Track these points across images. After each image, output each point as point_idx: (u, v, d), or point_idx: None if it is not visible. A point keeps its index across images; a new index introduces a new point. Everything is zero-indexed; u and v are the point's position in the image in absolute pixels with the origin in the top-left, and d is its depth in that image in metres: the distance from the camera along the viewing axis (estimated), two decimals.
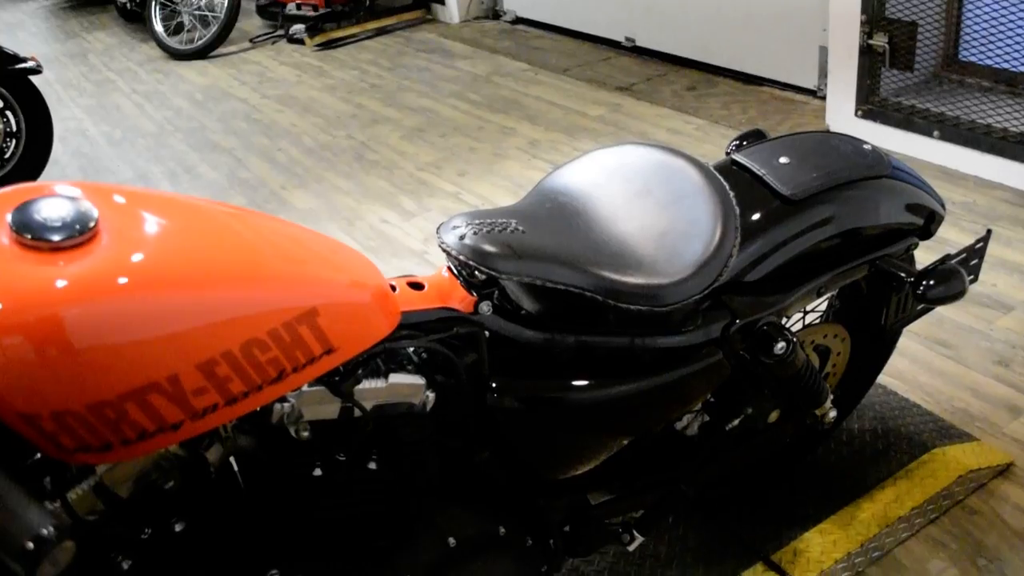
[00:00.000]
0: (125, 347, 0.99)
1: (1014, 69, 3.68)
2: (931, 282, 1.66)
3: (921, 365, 2.62)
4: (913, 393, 2.50)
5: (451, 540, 1.44)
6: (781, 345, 1.58)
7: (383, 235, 3.69)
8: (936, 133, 3.71)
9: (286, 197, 4.13)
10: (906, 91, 3.94)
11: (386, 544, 1.42)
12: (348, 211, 3.93)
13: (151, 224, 1.08)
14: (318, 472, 1.30)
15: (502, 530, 1.49)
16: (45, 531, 0.79)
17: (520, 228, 1.38)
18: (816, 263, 1.68)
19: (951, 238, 3.19)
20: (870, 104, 3.93)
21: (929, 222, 1.82)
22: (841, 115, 4.06)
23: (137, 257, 1.02)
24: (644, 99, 4.86)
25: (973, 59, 3.84)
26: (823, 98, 4.37)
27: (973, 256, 1.89)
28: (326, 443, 1.30)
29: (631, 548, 1.68)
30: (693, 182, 1.51)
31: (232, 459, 1.29)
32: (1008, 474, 2.22)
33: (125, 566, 1.19)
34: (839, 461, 2.22)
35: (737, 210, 1.49)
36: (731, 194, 1.50)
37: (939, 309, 2.79)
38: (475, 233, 1.34)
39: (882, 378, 2.50)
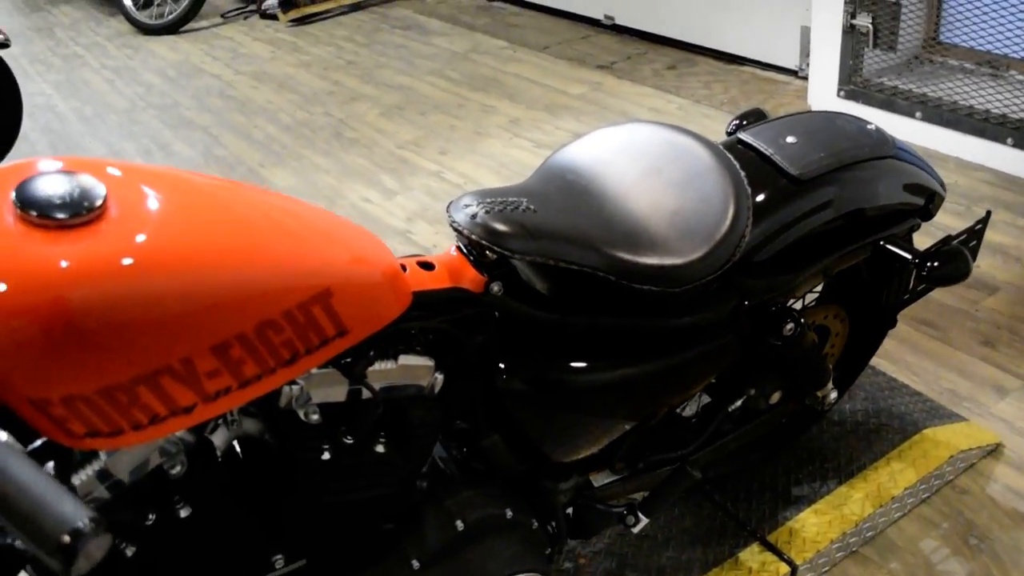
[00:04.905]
0: (137, 329, 0.96)
1: (996, 51, 3.70)
2: (936, 263, 1.66)
3: (909, 346, 2.63)
4: (902, 374, 2.51)
5: (459, 523, 1.42)
6: (791, 326, 1.57)
7: (365, 214, 3.64)
8: (918, 114, 3.72)
9: (264, 175, 4.07)
10: (888, 72, 3.94)
11: (393, 527, 1.40)
12: (328, 189, 3.88)
13: (161, 202, 1.05)
14: (326, 456, 1.27)
15: (509, 513, 1.47)
16: (81, 523, 0.76)
17: (531, 207, 1.36)
18: (823, 243, 1.67)
19: (935, 220, 3.20)
20: (852, 84, 3.94)
21: (930, 203, 1.82)
22: (823, 95, 4.06)
23: (148, 236, 0.98)
24: (625, 78, 4.84)
25: (955, 40, 3.85)
26: (804, 78, 4.37)
27: (972, 237, 1.89)
28: (334, 426, 1.28)
29: (635, 530, 1.67)
30: (703, 161, 1.49)
31: (236, 443, 1.26)
32: (996, 454, 2.24)
33: (129, 553, 1.16)
34: (832, 441, 2.23)
35: (749, 189, 1.47)
36: (742, 173, 1.48)
37: None
38: (487, 212, 1.32)
39: (872, 359, 2.51)
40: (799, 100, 4.30)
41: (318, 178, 3.99)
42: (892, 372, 2.51)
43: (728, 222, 1.42)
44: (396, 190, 3.82)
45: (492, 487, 1.49)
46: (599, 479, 1.67)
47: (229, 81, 5.40)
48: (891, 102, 3.80)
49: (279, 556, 1.31)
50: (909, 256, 1.70)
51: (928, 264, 1.66)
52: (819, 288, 2.04)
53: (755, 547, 1.96)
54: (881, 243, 1.74)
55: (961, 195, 3.41)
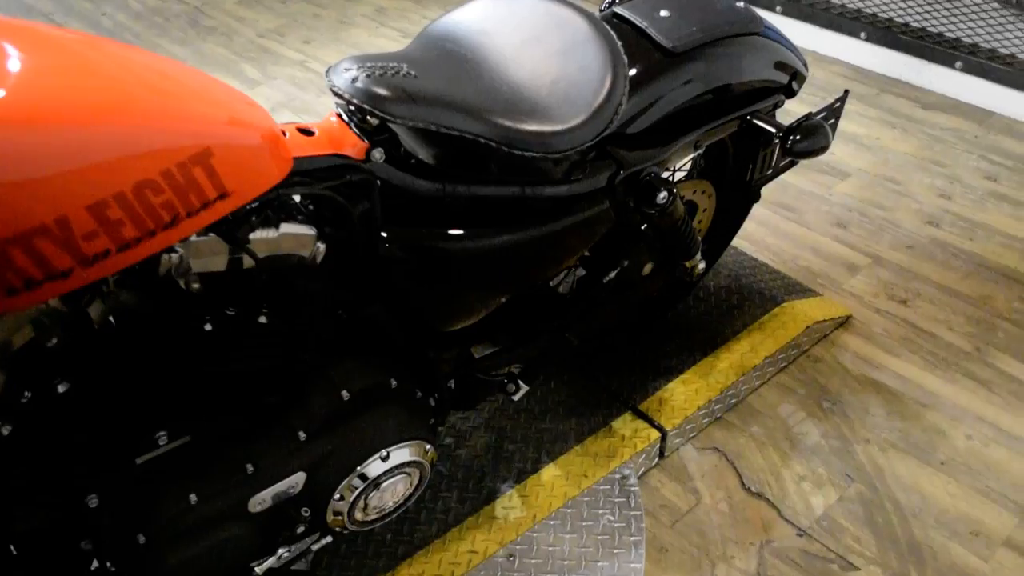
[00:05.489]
0: (7, 188, 0.92)
1: None
2: (798, 136, 1.73)
3: (768, 228, 2.76)
4: (762, 253, 2.64)
5: (344, 393, 1.43)
6: (663, 195, 1.62)
7: None
8: (779, 8, 3.81)
9: None
10: None
11: (278, 399, 1.40)
12: None
13: (27, 57, 0.99)
14: (208, 327, 1.25)
15: (394, 382, 1.49)
16: None
17: (412, 72, 1.34)
18: (694, 116, 1.72)
19: (791, 109, 3.32)
20: None
21: (793, 80, 1.88)
22: None
23: (12, 91, 0.93)
24: None
25: None
26: None
27: (831, 115, 1.98)
28: (216, 296, 1.26)
29: (515, 398, 1.72)
30: (582, 31, 1.50)
31: (112, 317, 1.23)
32: (847, 325, 2.39)
33: (5, 432, 1.13)
34: (698, 316, 2.33)
35: (626, 59, 1.50)
36: (619, 43, 1.50)
37: (783, 176, 2.93)
38: (367, 76, 1.29)
39: (735, 240, 2.62)
40: None
41: None
42: (753, 252, 2.62)
43: (606, 90, 1.44)
44: (259, 80, 3.69)
45: (376, 357, 1.51)
46: (480, 351, 1.71)
47: None
48: None
49: (162, 433, 1.30)
50: (773, 130, 1.77)
51: (791, 138, 1.74)
52: (687, 165, 2.10)
53: (627, 416, 2.05)
54: (748, 117, 1.80)
55: (817, 87, 3.54)
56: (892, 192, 2.93)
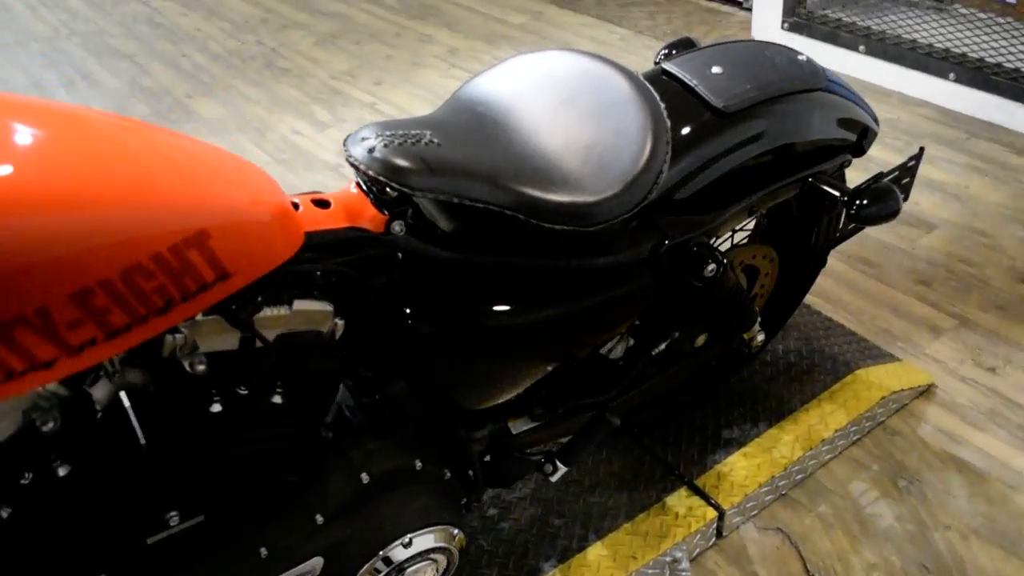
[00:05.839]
0: None
1: None
2: (865, 201, 1.60)
3: (845, 284, 2.60)
4: (837, 313, 2.48)
5: (364, 476, 1.35)
6: (712, 267, 1.50)
7: (295, 147, 3.51)
8: (862, 48, 3.65)
9: (192, 106, 3.90)
10: (833, 3, 3.87)
11: (296, 480, 1.33)
12: (258, 121, 3.73)
13: (6, 136, 0.94)
14: (216, 408, 1.19)
15: (418, 464, 1.41)
16: None
17: (435, 140, 1.26)
18: (748, 179, 1.60)
19: (875, 155, 3.16)
20: (796, 16, 3.85)
21: (862, 138, 1.75)
22: (767, 27, 3.98)
23: None
24: (567, 7, 4.71)
25: None
26: (749, 9, 4.29)
27: (905, 174, 1.83)
28: (225, 376, 1.19)
29: (553, 479, 1.62)
30: (621, 91, 1.40)
31: (123, 395, 1.17)
32: (928, 395, 2.22)
33: (4, 515, 1.08)
34: (763, 383, 2.19)
35: (668, 122, 1.39)
36: (662, 105, 1.40)
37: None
38: (385, 146, 1.22)
39: (807, 297, 2.48)
40: (743, 32, 4.21)
41: (248, 109, 3.84)
42: (827, 311, 2.47)
43: (644, 158, 1.34)
44: (328, 122, 3.68)
45: (401, 437, 1.42)
46: (518, 426, 1.61)
47: (157, 7, 5.17)
48: (835, 35, 3.73)
49: (174, 513, 1.24)
50: (838, 194, 1.64)
51: (857, 202, 1.60)
52: (750, 227, 1.98)
53: (682, 491, 1.92)
54: (809, 180, 1.67)
55: (903, 130, 3.36)
56: (982, 246, 2.74)
